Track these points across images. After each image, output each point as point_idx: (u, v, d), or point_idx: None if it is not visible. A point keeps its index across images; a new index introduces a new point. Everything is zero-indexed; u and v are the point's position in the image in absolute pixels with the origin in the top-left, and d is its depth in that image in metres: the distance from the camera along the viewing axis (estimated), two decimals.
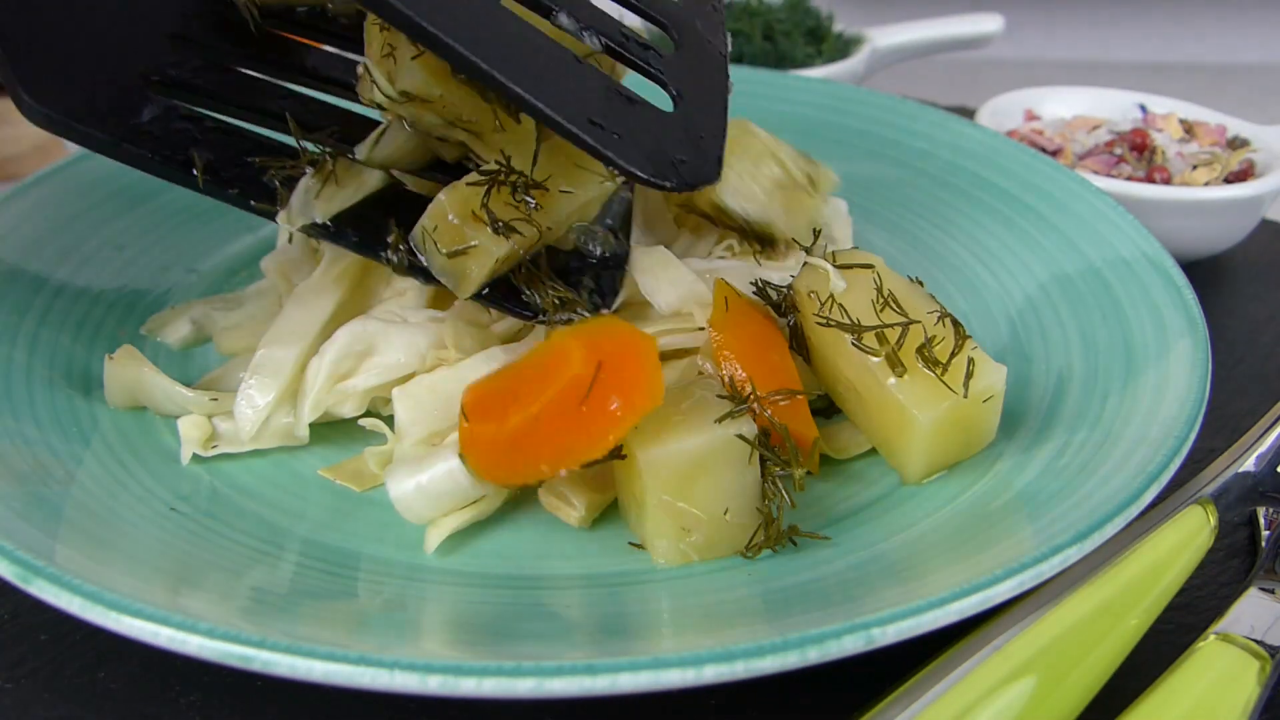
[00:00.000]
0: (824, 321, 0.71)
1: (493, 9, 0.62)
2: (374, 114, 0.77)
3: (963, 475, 0.70)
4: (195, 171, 0.76)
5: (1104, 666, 0.59)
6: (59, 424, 0.74)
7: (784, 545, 0.66)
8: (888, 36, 1.36)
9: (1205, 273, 1.05)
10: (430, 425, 0.71)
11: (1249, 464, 0.74)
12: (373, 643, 0.55)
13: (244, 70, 0.82)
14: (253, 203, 0.76)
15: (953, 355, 0.68)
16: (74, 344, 0.82)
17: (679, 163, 0.63)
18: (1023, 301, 0.87)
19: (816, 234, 0.85)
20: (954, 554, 0.62)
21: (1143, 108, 1.17)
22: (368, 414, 0.76)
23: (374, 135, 0.77)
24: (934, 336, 0.68)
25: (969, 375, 0.67)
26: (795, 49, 1.29)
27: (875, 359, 0.68)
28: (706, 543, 0.65)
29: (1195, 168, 1.05)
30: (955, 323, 0.69)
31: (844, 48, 1.34)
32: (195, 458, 0.73)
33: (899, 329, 0.69)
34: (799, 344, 0.75)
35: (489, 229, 0.70)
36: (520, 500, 0.71)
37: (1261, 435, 0.77)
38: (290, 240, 0.88)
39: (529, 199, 0.71)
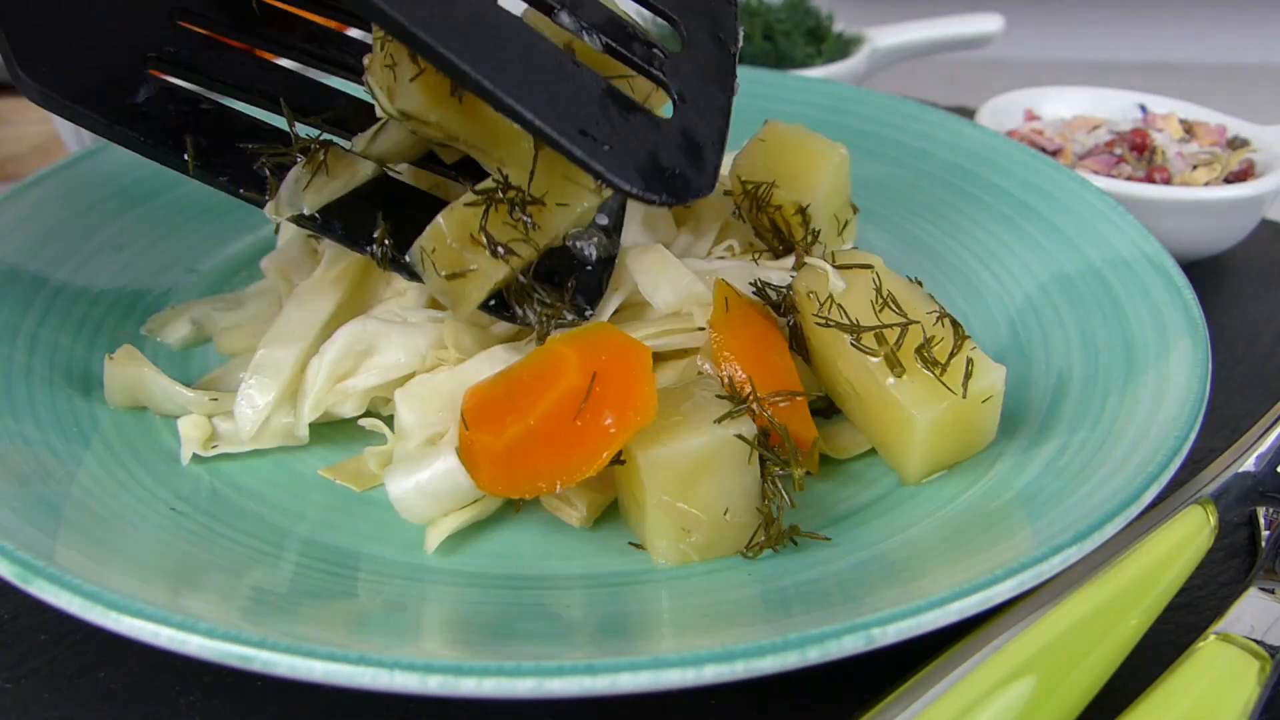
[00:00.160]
0: (823, 322, 0.71)
1: (486, 10, 0.60)
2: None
3: (962, 475, 0.70)
4: (185, 157, 0.76)
5: (1104, 666, 0.59)
6: (59, 424, 0.74)
7: (784, 545, 0.66)
8: (888, 36, 1.36)
9: (1205, 273, 1.05)
10: (433, 427, 0.71)
11: (1249, 464, 0.74)
12: (373, 643, 0.55)
13: (242, 47, 0.81)
14: (241, 191, 0.76)
15: (952, 355, 0.68)
16: (74, 344, 0.82)
17: (672, 175, 0.60)
18: (1023, 301, 0.87)
19: (815, 235, 0.85)
20: (954, 554, 0.62)
21: (1143, 108, 1.17)
22: (368, 414, 0.76)
23: (371, 131, 0.76)
24: (933, 337, 0.68)
25: (968, 375, 0.67)
26: (795, 49, 1.29)
27: (874, 359, 0.68)
28: (706, 543, 0.65)
29: (1195, 168, 1.05)
30: (954, 323, 0.69)
31: (844, 48, 1.34)
32: (195, 458, 0.73)
33: (898, 329, 0.69)
34: (799, 344, 0.75)
35: (487, 252, 0.70)
36: (520, 500, 0.71)
37: (1261, 435, 0.77)
38: (279, 231, 0.88)
39: (526, 217, 0.70)
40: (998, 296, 0.88)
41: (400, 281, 0.80)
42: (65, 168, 0.95)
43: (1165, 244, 0.87)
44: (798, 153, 0.85)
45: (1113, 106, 1.18)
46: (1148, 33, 1.87)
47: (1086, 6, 1.90)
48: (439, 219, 0.71)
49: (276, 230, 0.88)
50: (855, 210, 0.88)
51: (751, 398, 0.67)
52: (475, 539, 0.68)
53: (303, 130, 0.78)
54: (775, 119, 0.89)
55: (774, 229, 0.84)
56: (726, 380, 0.69)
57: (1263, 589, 0.65)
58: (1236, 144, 1.10)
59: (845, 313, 0.71)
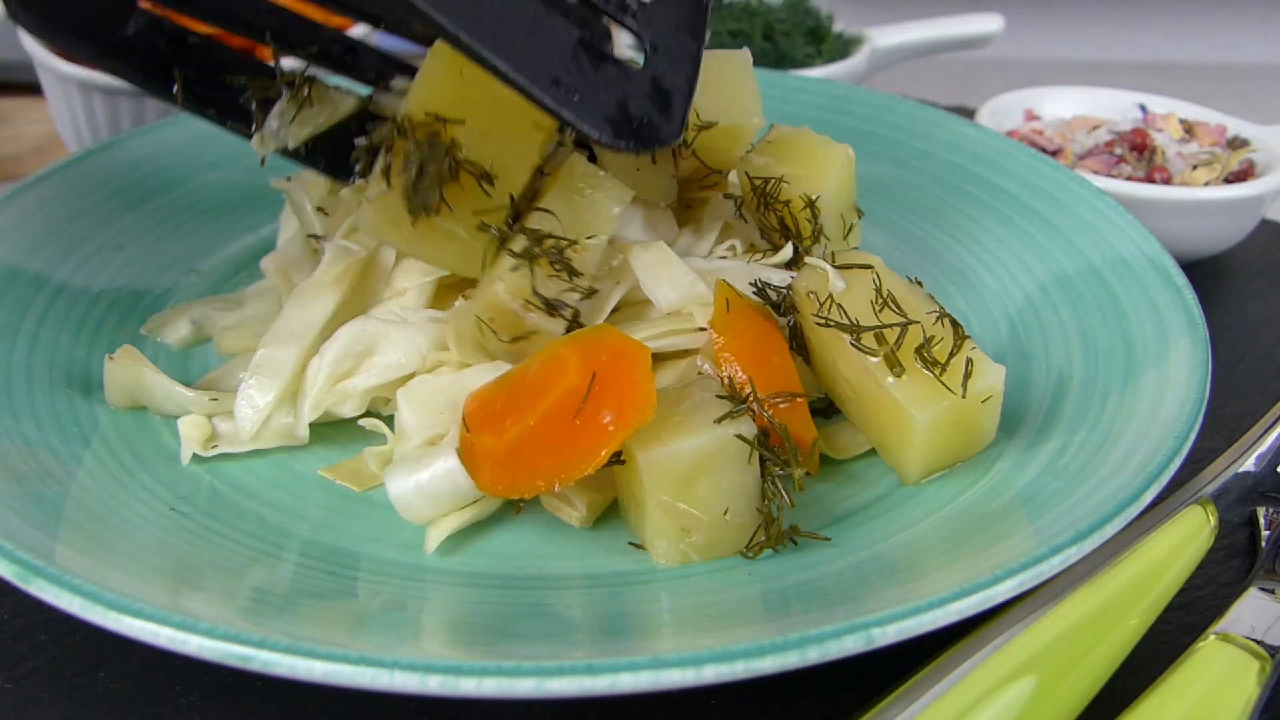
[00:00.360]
0: (823, 322, 0.71)
1: None
2: (359, 33, 0.78)
3: (962, 475, 0.70)
4: (174, 89, 0.77)
5: (1104, 666, 0.59)
6: (59, 424, 0.74)
7: (784, 545, 0.66)
8: (888, 36, 1.36)
9: (1205, 273, 1.05)
10: (434, 428, 0.71)
11: (1249, 464, 0.74)
12: (373, 643, 0.55)
13: None
14: (229, 123, 0.78)
15: (951, 355, 0.68)
16: (74, 344, 0.82)
17: (641, 124, 0.63)
18: (1023, 301, 0.87)
19: (816, 236, 0.85)
20: (954, 554, 0.62)
21: (1143, 108, 1.17)
22: (368, 414, 0.76)
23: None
24: (932, 337, 0.68)
25: (967, 375, 0.67)
26: (795, 49, 1.29)
27: (874, 359, 0.68)
28: (707, 543, 0.65)
29: (1195, 168, 1.05)
30: (954, 323, 0.69)
31: (844, 48, 1.33)
32: (195, 458, 0.73)
33: (898, 329, 0.69)
34: (799, 344, 0.75)
35: (544, 310, 0.71)
36: (520, 501, 0.71)
37: (1261, 435, 0.77)
38: (282, 231, 0.88)
39: (570, 265, 0.72)
40: (998, 296, 0.88)
41: (400, 281, 0.80)
42: (65, 168, 0.95)
43: (1165, 244, 0.87)
44: (805, 153, 0.85)
45: (1113, 106, 1.18)
46: (1148, 33, 1.87)
47: (1086, 6, 1.90)
48: (495, 287, 0.72)
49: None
50: (860, 214, 0.88)
51: (751, 398, 0.67)
52: (475, 539, 0.68)
53: (290, 65, 0.80)
54: (777, 120, 0.89)
55: (781, 226, 0.84)
56: (726, 380, 0.69)
57: (1263, 589, 0.65)
58: (1236, 144, 1.10)
59: (845, 313, 0.71)
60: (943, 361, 0.67)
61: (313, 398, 0.74)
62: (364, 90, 0.83)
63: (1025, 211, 0.94)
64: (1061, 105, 1.19)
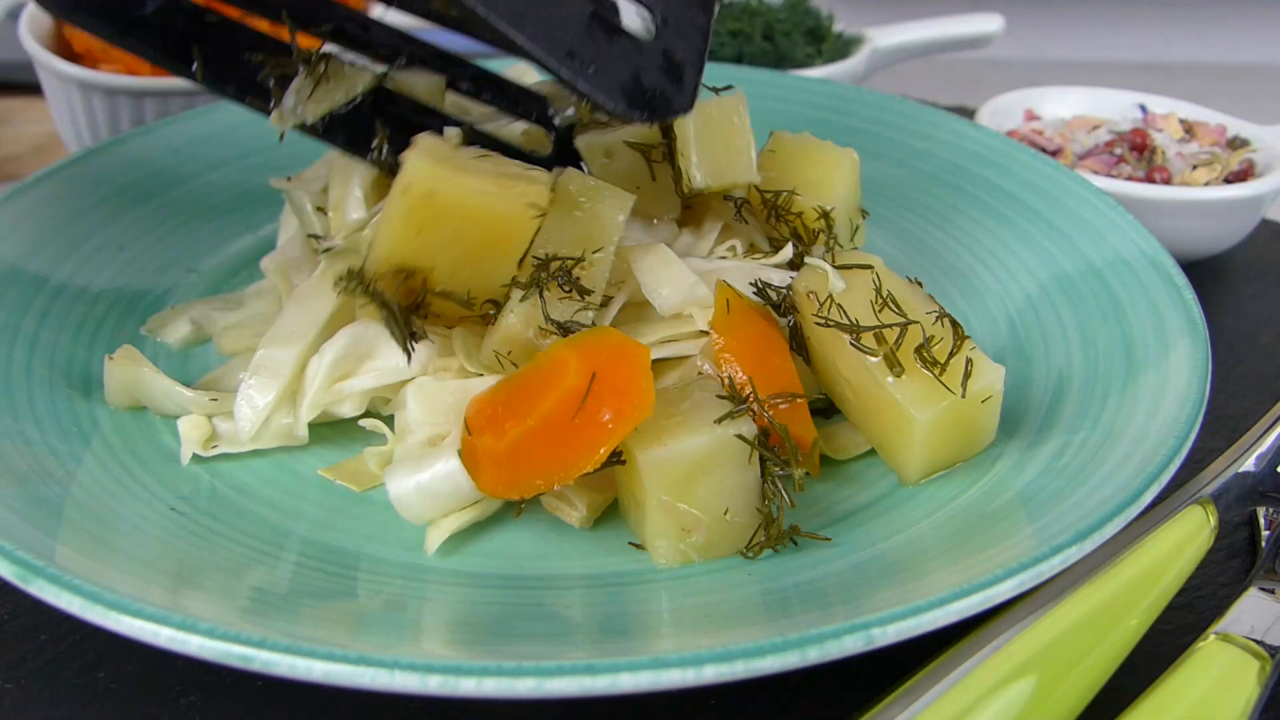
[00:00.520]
0: (823, 322, 0.71)
1: None
2: (377, 12, 0.79)
3: (962, 475, 0.70)
4: (193, 67, 0.77)
5: (1104, 666, 0.59)
6: (59, 424, 0.74)
7: (784, 545, 0.66)
8: (888, 36, 1.36)
9: (1205, 273, 1.05)
10: (436, 427, 0.71)
11: (1249, 464, 0.74)
12: (373, 643, 0.55)
13: None
14: (247, 99, 0.78)
15: (951, 355, 0.68)
16: (74, 344, 0.82)
17: (653, 95, 0.64)
18: (1023, 301, 0.87)
19: (816, 235, 0.85)
20: (954, 554, 0.62)
21: (1143, 108, 1.17)
22: (368, 414, 0.76)
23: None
24: (932, 336, 0.68)
25: (967, 375, 0.67)
26: (795, 49, 1.29)
27: (874, 359, 0.68)
28: (707, 543, 0.65)
29: (1195, 168, 1.05)
30: (954, 323, 0.69)
31: (844, 48, 1.33)
32: (195, 458, 0.73)
33: (897, 329, 0.69)
34: (799, 345, 0.75)
35: (559, 334, 0.72)
36: (521, 502, 0.71)
37: (1261, 435, 0.77)
38: (282, 232, 0.88)
39: (579, 284, 0.72)
40: (998, 296, 0.88)
41: None
42: (65, 168, 0.95)
43: (1165, 244, 0.87)
44: (810, 160, 0.85)
45: (1113, 106, 1.18)
46: (1148, 33, 1.87)
47: (1086, 6, 1.90)
48: (508, 321, 0.72)
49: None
50: (865, 215, 0.88)
51: (751, 398, 0.67)
52: (475, 539, 0.68)
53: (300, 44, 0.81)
54: (777, 120, 0.89)
55: (794, 236, 0.84)
56: (727, 381, 0.69)
57: (1263, 589, 0.65)
58: (1236, 144, 1.10)
59: (845, 313, 0.71)
60: (942, 361, 0.67)
61: (311, 398, 0.74)
62: (379, 68, 0.83)
63: (1025, 211, 0.94)
64: (1061, 105, 1.19)
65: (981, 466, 0.70)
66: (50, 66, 1.10)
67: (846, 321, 0.70)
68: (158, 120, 1.06)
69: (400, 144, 0.74)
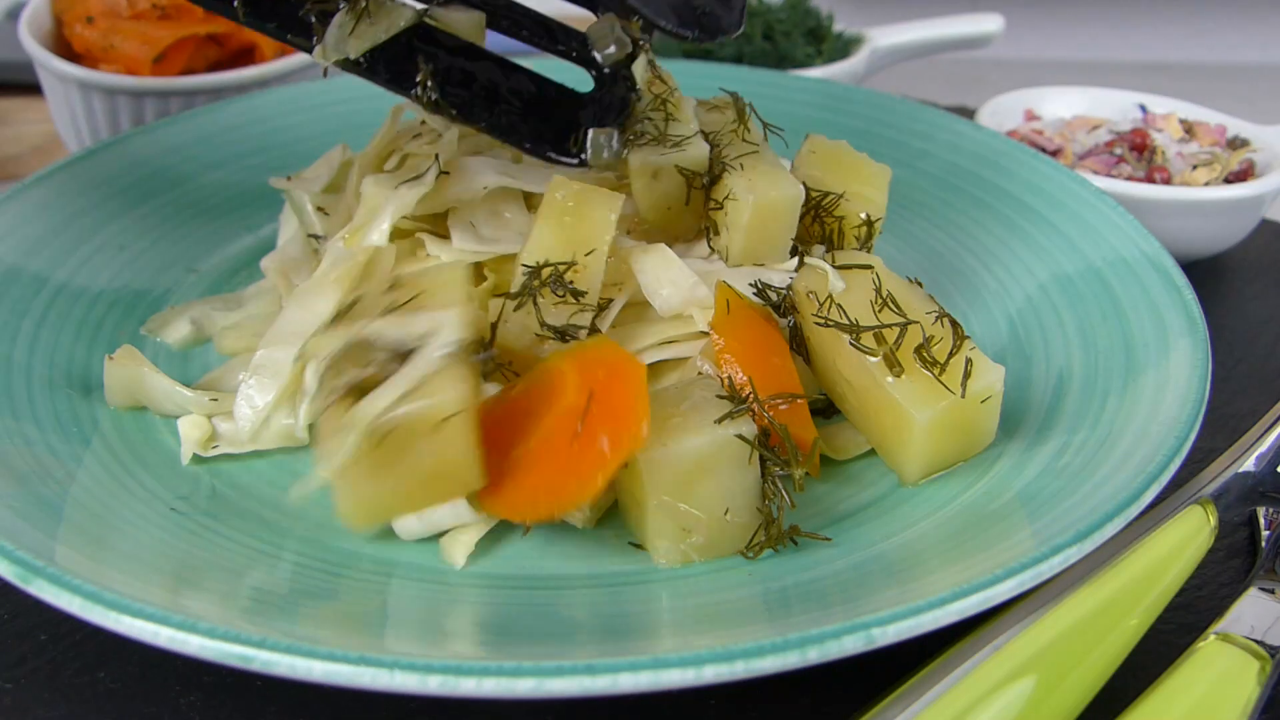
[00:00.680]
0: (823, 322, 0.71)
1: None
2: None
3: (962, 475, 0.70)
4: (235, 4, 0.77)
5: (1104, 666, 0.59)
6: (59, 424, 0.74)
7: (784, 545, 0.66)
8: (888, 36, 1.36)
9: (1205, 273, 1.05)
10: None
11: (1249, 464, 0.74)
12: (373, 643, 0.55)
13: None
14: (289, 36, 0.78)
15: (951, 355, 0.68)
16: (74, 344, 0.82)
17: (704, 14, 0.66)
18: (1023, 301, 0.87)
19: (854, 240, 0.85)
20: (954, 554, 0.62)
21: (1143, 108, 1.17)
22: None
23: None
24: (932, 336, 0.68)
25: (966, 375, 0.67)
26: (795, 49, 1.29)
27: (873, 359, 0.68)
28: (707, 543, 0.65)
29: (1195, 168, 1.05)
30: (953, 323, 0.69)
31: (844, 48, 1.33)
32: (195, 458, 0.73)
33: (897, 329, 0.69)
34: (799, 345, 0.75)
35: (558, 339, 0.72)
36: None
37: (1261, 435, 0.77)
38: (287, 231, 0.88)
39: (573, 288, 0.72)
40: (998, 296, 0.88)
41: None
42: (65, 168, 0.95)
43: (1165, 244, 0.87)
44: (852, 170, 0.86)
45: (1113, 106, 1.18)
46: (1148, 33, 1.87)
47: (1086, 6, 1.90)
48: (502, 333, 0.72)
49: (331, 71, 0.89)
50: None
51: (752, 399, 0.67)
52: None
53: None
54: (777, 120, 0.89)
55: (826, 239, 0.85)
56: (727, 381, 0.69)
57: (1263, 589, 0.65)
58: (1236, 144, 1.10)
59: (845, 313, 0.71)
60: (942, 361, 0.67)
61: (312, 398, 0.74)
62: (420, 4, 0.83)
63: (1025, 211, 0.94)
64: (1061, 105, 1.19)
65: (981, 466, 0.70)
66: (50, 66, 1.10)
67: (846, 321, 0.70)
68: (158, 120, 1.06)
69: (442, 81, 0.76)
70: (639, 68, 0.80)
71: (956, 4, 1.50)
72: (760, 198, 0.78)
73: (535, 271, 0.73)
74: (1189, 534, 0.67)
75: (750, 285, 0.77)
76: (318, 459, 0.61)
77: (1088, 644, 0.59)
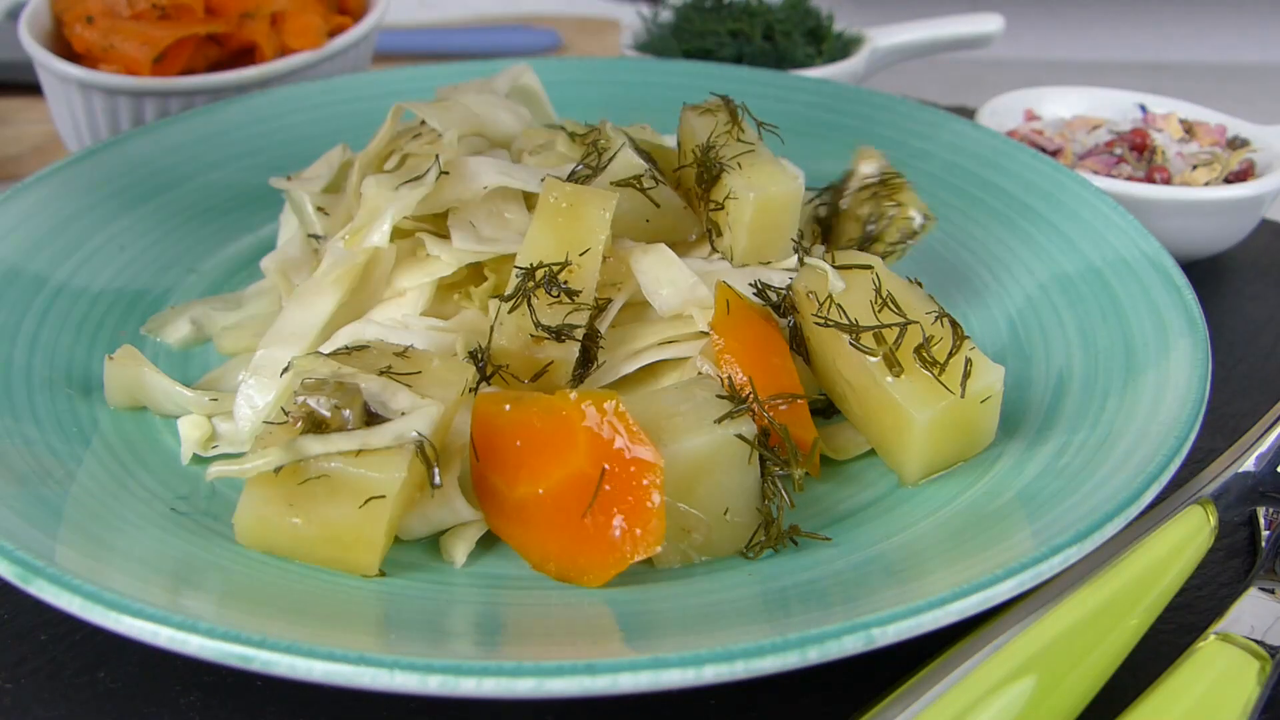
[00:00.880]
0: (823, 322, 0.71)
1: None
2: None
3: (962, 476, 0.70)
4: None
5: (1104, 666, 0.59)
6: (59, 424, 0.74)
7: (784, 545, 0.66)
8: (888, 36, 1.36)
9: (1205, 273, 1.05)
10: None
11: (1249, 464, 0.74)
12: (373, 643, 0.55)
13: None
14: None
15: (950, 355, 0.68)
16: (74, 344, 0.82)
17: None
18: (1023, 301, 0.87)
19: (816, 235, 0.85)
20: (954, 554, 0.62)
21: (1143, 108, 1.17)
22: None
23: None
24: (932, 336, 0.68)
25: (966, 375, 0.67)
26: (795, 49, 1.28)
27: (873, 359, 0.68)
28: (707, 543, 0.65)
29: (1195, 168, 1.05)
30: (953, 323, 0.69)
31: (844, 48, 1.33)
32: (195, 458, 0.73)
33: (897, 329, 0.69)
34: (799, 345, 0.75)
35: (554, 340, 0.72)
36: None
37: (1261, 435, 0.77)
38: (287, 231, 0.88)
39: (563, 285, 0.72)
40: (998, 296, 0.88)
41: (400, 281, 0.80)
42: (65, 168, 0.95)
43: (1165, 244, 0.87)
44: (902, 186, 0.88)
45: (1113, 106, 1.18)
46: (1148, 33, 1.87)
47: (1086, 6, 1.90)
48: (497, 335, 0.73)
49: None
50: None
51: (752, 399, 0.67)
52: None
53: None
54: (777, 124, 0.89)
55: (867, 224, 0.86)
56: (727, 381, 0.69)
57: (1263, 589, 0.65)
58: (1236, 144, 1.10)
59: (845, 313, 0.71)
60: (942, 361, 0.67)
61: (269, 407, 0.74)
62: None
63: (1025, 211, 0.94)
64: (1061, 105, 1.19)
65: (981, 466, 0.70)
66: (50, 66, 1.10)
67: (846, 321, 0.70)
68: (158, 120, 1.06)
69: None
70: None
71: (956, 4, 1.50)
72: (761, 194, 0.78)
73: (529, 273, 0.73)
74: (1189, 534, 0.67)
75: (750, 285, 0.77)
76: (248, 457, 0.62)
77: (1088, 644, 0.59)
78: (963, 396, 0.67)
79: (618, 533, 0.61)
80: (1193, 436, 0.66)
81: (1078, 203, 0.91)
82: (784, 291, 0.76)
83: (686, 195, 0.84)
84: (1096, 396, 0.74)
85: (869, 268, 0.73)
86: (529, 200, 0.83)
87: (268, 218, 0.98)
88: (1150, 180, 1.04)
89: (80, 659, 0.64)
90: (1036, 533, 0.61)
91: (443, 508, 0.67)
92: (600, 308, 0.76)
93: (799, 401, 0.69)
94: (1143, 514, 0.63)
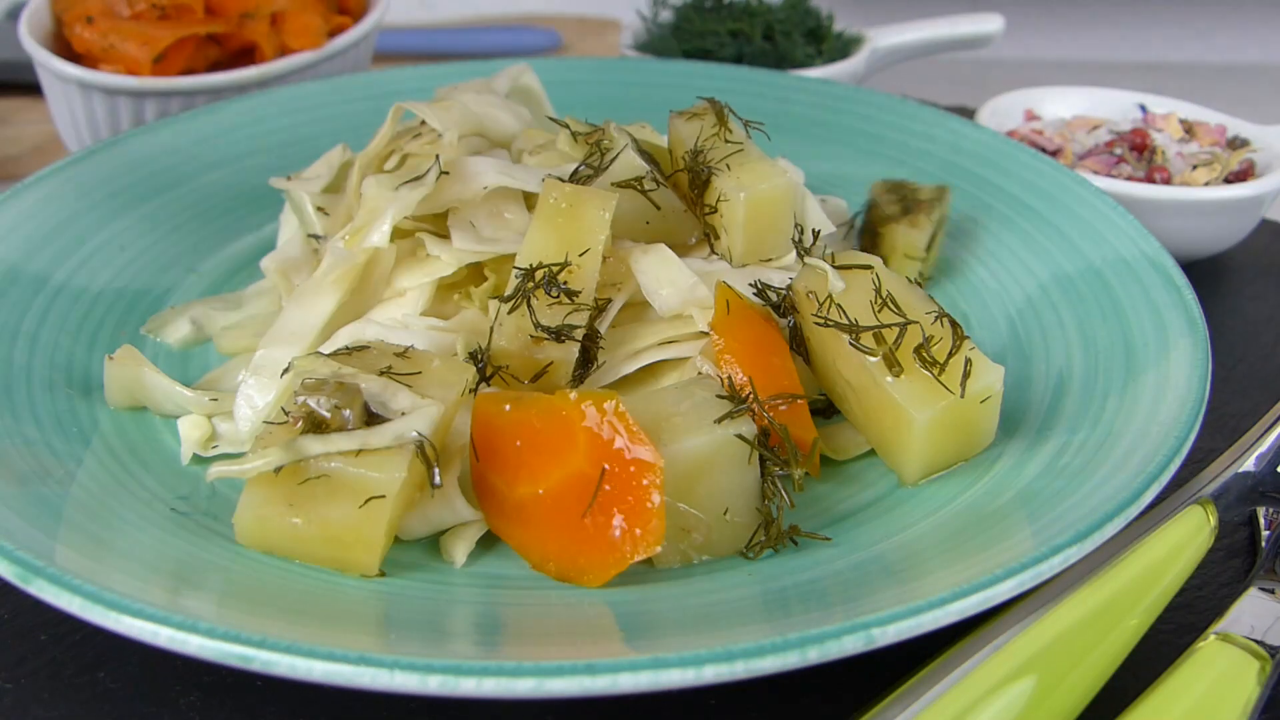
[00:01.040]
0: (822, 322, 0.71)
1: None
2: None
3: (962, 475, 0.70)
4: None
5: (1104, 666, 0.59)
6: (59, 424, 0.74)
7: (784, 545, 0.66)
8: (888, 36, 1.36)
9: (1205, 273, 1.05)
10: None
11: (1249, 464, 0.74)
12: (373, 643, 0.55)
13: None
14: None
15: (950, 355, 0.68)
16: (74, 344, 0.82)
17: None
18: (1023, 301, 0.87)
19: (816, 235, 0.85)
20: (954, 554, 0.62)
21: (1143, 108, 1.17)
22: None
23: None
24: (931, 336, 0.68)
25: (966, 375, 0.67)
26: (795, 49, 1.28)
27: (873, 359, 0.68)
28: (707, 543, 0.65)
29: (1195, 168, 1.05)
30: (953, 323, 0.69)
31: (844, 48, 1.33)
32: (195, 458, 0.73)
33: (896, 329, 0.69)
34: (799, 345, 0.75)
35: (553, 341, 0.72)
36: None
37: (1261, 435, 0.77)
38: (287, 231, 0.88)
39: (562, 285, 0.72)
40: (998, 296, 0.88)
41: (400, 281, 0.80)
42: (65, 168, 0.95)
43: (1165, 244, 0.87)
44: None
45: (1113, 106, 1.18)
46: (1148, 33, 1.87)
47: (1086, 6, 1.90)
48: (497, 336, 0.72)
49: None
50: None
51: (751, 399, 0.67)
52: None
53: None
54: (777, 124, 0.89)
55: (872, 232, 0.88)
56: (727, 381, 0.69)
57: (1263, 589, 0.65)
58: (1236, 144, 1.10)
59: (844, 313, 0.71)
60: (941, 361, 0.67)
61: (269, 407, 0.74)
62: None
63: (1025, 211, 0.94)
64: (1061, 105, 1.19)
65: (981, 466, 0.70)
66: (50, 66, 1.10)
67: (846, 321, 0.70)
68: (158, 120, 1.06)
69: None
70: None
71: (956, 4, 1.50)
72: (752, 193, 0.78)
73: (529, 273, 0.73)
74: (1189, 534, 0.67)
75: (750, 285, 0.77)
76: (249, 457, 0.62)
77: (1088, 644, 0.59)
78: (962, 396, 0.67)
79: (618, 533, 0.61)
80: (1193, 436, 0.66)
81: (1078, 203, 0.91)
82: (784, 291, 0.76)
83: (684, 199, 0.84)
84: (1096, 396, 0.74)
85: (869, 268, 0.73)
86: (529, 200, 0.83)
87: (268, 218, 0.98)
88: (1150, 180, 1.04)
89: (80, 659, 0.64)
90: (1036, 533, 0.61)
91: (443, 508, 0.67)
92: (600, 308, 0.76)
93: (799, 401, 0.69)
94: (1143, 514, 0.63)
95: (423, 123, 0.87)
